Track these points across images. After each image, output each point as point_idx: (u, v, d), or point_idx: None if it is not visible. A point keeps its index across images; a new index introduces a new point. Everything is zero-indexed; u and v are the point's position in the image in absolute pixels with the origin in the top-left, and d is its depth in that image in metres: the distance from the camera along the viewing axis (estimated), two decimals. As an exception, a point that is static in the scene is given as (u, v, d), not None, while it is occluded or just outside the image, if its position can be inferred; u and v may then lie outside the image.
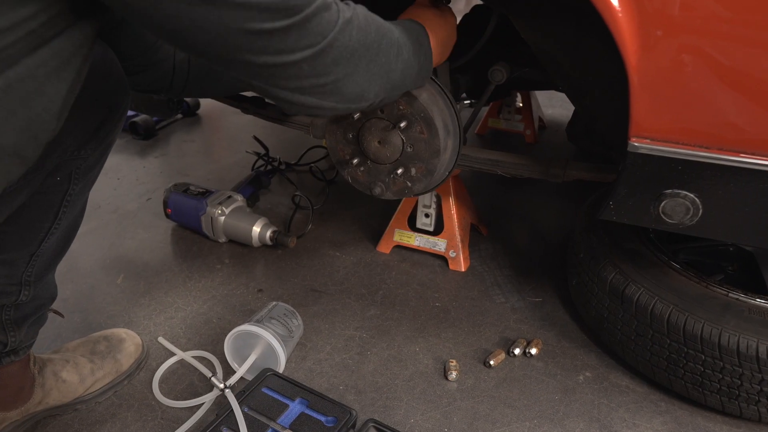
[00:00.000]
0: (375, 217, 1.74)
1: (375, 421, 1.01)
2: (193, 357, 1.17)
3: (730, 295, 1.03)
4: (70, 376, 1.04)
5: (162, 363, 1.16)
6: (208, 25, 0.56)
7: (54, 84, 0.61)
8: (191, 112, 2.59)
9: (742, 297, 1.02)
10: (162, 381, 1.12)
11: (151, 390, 1.10)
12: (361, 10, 0.73)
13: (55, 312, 1.08)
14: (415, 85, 0.95)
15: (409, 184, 1.15)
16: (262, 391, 1.05)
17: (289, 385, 1.06)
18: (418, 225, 1.55)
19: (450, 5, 1.12)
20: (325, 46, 0.65)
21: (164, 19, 0.56)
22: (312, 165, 2.02)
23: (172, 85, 1.05)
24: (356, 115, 1.11)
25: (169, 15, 0.55)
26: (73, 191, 0.86)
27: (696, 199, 0.89)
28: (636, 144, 0.88)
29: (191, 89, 1.08)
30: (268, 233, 1.52)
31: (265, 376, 1.07)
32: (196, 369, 1.14)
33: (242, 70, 0.63)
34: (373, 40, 0.73)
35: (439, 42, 0.99)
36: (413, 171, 1.13)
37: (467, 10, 1.51)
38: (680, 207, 0.90)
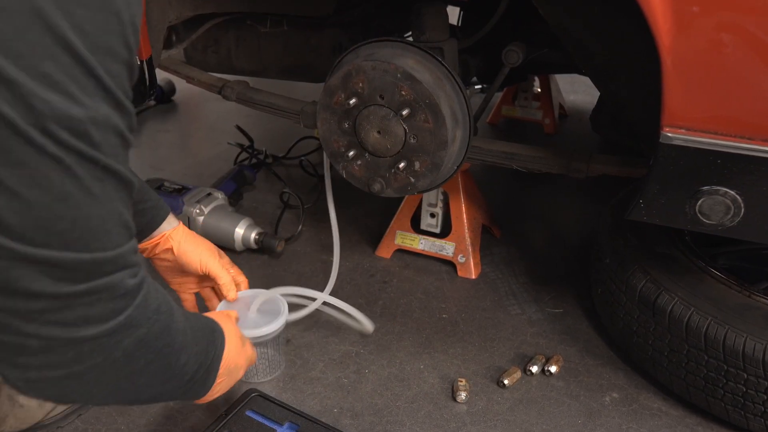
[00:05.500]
0: (374, 218, 1.74)
1: (374, 449, 1.01)
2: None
3: (775, 305, 1.03)
4: (28, 400, 1.03)
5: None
6: None
7: None
8: (166, 99, 2.59)
9: (790, 308, 1.02)
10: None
11: (123, 413, 1.10)
12: None
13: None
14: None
15: (413, 179, 1.15)
16: (246, 414, 1.04)
17: (277, 408, 1.06)
18: (423, 226, 1.55)
19: None
20: None
21: None
22: (302, 158, 2.02)
23: None
24: (352, 102, 1.11)
25: None
26: None
27: (737, 197, 0.88)
28: (669, 134, 0.88)
29: None
30: (253, 235, 1.52)
31: (249, 397, 1.07)
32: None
33: None
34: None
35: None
36: (417, 165, 1.13)
37: (478, -17, 1.51)
38: (719, 206, 0.90)
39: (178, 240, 1.08)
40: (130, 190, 0.58)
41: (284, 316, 1.13)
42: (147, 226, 1.04)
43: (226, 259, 1.16)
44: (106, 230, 0.55)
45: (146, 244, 1.07)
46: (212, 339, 0.83)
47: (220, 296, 1.15)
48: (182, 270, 1.11)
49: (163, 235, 1.07)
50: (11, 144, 0.46)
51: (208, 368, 0.81)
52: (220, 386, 0.87)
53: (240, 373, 0.94)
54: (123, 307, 0.59)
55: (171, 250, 1.08)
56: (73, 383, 0.60)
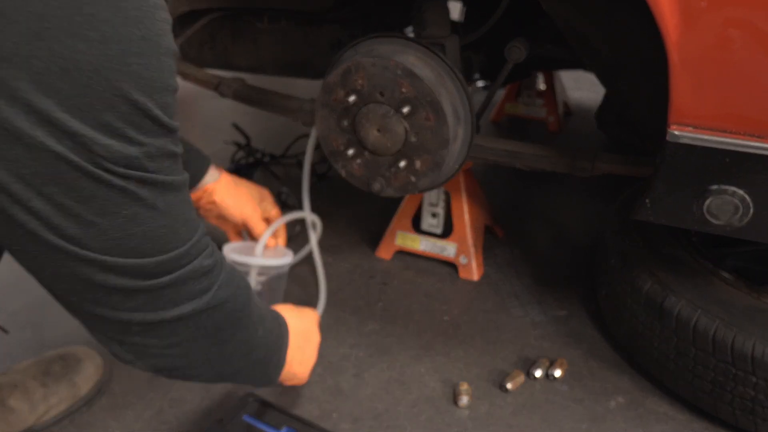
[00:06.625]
0: (374, 218, 1.74)
1: (373, 455, 1.01)
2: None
3: (785, 307, 1.03)
4: (19, 404, 1.03)
5: (126, 386, 1.16)
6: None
7: None
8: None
9: (800, 310, 1.02)
10: (126, 407, 1.12)
11: (115, 416, 1.10)
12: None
13: (-2, 327, 1.08)
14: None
15: (414, 179, 1.15)
16: (243, 419, 1.04)
17: (275, 413, 1.06)
18: (424, 227, 1.54)
19: None
20: None
21: None
22: (300, 157, 2.02)
23: None
24: (351, 99, 1.11)
25: None
26: None
27: (746, 196, 0.88)
28: (676, 132, 0.88)
29: None
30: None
31: (246, 402, 1.07)
32: (165, 395, 1.14)
33: None
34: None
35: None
36: (418, 164, 1.13)
37: (480, -22, 1.51)
38: (728, 205, 0.90)
39: (221, 193, 1.26)
40: (187, 187, 0.67)
41: (290, 256, 1.30)
42: (191, 179, 1.16)
43: (268, 200, 1.38)
44: (175, 232, 0.64)
45: (192, 196, 1.17)
46: (277, 318, 0.92)
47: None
48: (224, 217, 1.30)
49: (206, 189, 1.25)
50: (82, 183, 0.55)
51: (280, 346, 0.91)
52: (294, 370, 0.98)
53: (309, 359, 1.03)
54: (208, 286, 0.70)
55: (214, 201, 1.26)
56: (173, 351, 0.71)
